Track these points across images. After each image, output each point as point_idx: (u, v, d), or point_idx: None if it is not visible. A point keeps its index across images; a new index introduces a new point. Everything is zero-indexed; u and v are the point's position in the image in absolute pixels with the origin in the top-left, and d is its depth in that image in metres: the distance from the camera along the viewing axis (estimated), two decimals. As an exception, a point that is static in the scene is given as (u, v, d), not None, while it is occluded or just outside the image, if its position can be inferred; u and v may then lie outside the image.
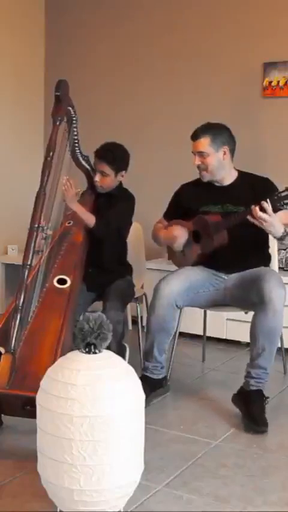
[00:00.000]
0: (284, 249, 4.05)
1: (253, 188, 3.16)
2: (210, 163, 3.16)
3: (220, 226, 3.13)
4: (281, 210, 2.92)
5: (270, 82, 4.30)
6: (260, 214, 2.88)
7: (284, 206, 2.91)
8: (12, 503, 2.20)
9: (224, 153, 3.16)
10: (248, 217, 2.93)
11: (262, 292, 2.92)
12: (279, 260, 3.92)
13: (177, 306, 3.12)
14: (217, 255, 3.19)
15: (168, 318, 3.11)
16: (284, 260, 4.11)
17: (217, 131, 3.16)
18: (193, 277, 3.20)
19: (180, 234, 3.25)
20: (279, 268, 3.90)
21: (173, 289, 3.10)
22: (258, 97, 4.38)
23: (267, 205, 2.87)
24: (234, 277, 3.22)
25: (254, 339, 2.96)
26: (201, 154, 3.16)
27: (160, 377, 3.20)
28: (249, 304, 3.08)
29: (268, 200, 2.88)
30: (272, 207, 2.88)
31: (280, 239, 3.03)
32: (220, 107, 4.43)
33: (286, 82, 4.25)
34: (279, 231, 2.96)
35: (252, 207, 2.90)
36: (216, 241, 3.14)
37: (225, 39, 4.48)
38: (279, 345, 3.57)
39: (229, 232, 3.10)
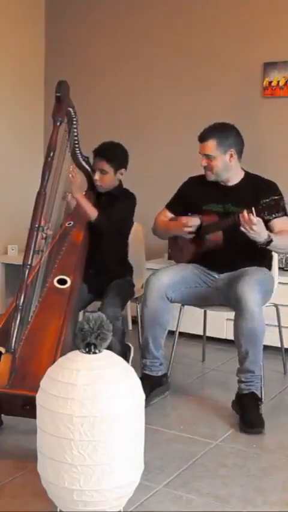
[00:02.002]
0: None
1: (255, 190, 3.15)
2: (216, 166, 3.17)
3: (216, 227, 3.14)
4: (265, 219, 2.89)
5: (270, 82, 4.31)
6: (244, 222, 2.86)
7: (267, 216, 2.88)
8: (12, 503, 2.20)
9: (231, 156, 3.16)
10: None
11: (236, 294, 2.92)
12: (279, 260, 3.91)
13: (168, 298, 3.13)
14: (211, 255, 3.20)
15: (160, 310, 3.12)
16: (284, 260, 4.11)
17: (224, 133, 3.15)
18: (184, 272, 3.23)
19: (190, 219, 3.23)
20: (279, 268, 3.89)
21: (163, 281, 3.12)
22: (258, 97, 4.38)
23: (252, 213, 2.85)
24: (225, 276, 3.23)
25: (237, 343, 2.97)
26: (207, 156, 3.16)
27: (159, 374, 3.21)
28: (232, 304, 3.07)
29: (253, 208, 2.87)
30: (257, 215, 2.86)
31: (262, 245, 2.98)
32: (220, 107, 4.43)
33: (286, 82, 4.25)
34: (263, 237, 2.93)
35: (240, 213, 2.89)
36: (210, 241, 3.16)
37: (225, 39, 4.48)
38: (280, 345, 3.60)
39: (226, 232, 3.10)
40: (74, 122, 3.18)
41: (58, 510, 2.05)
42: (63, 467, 1.93)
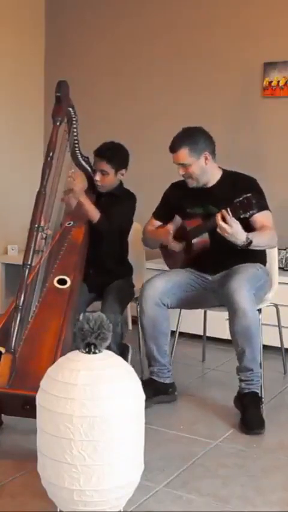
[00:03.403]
0: (284, 249, 4.05)
1: (234, 187, 3.11)
2: (193, 172, 3.15)
3: (199, 230, 3.13)
4: (241, 218, 2.86)
5: (270, 82, 4.30)
6: (220, 223, 2.84)
7: (243, 214, 2.85)
8: (12, 503, 2.20)
9: (206, 158, 3.14)
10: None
11: (227, 293, 2.92)
12: (279, 260, 3.91)
13: (164, 304, 3.13)
14: (202, 257, 3.19)
15: (159, 318, 3.12)
16: (284, 260, 4.11)
17: (193, 139, 3.13)
18: (177, 277, 3.23)
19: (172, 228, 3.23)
20: (279, 268, 3.89)
21: (157, 288, 3.12)
22: (258, 97, 4.37)
23: (227, 213, 2.83)
24: (218, 277, 3.23)
25: (233, 342, 2.97)
26: (183, 165, 3.16)
27: (167, 381, 3.20)
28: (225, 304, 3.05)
29: (228, 209, 2.84)
30: (233, 215, 2.83)
31: (242, 247, 2.94)
32: (220, 107, 4.43)
33: (286, 82, 4.25)
34: (241, 239, 2.89)
35: (216, 215, 2.87)
36: (198, 244, 3.15)
37: (225, 39, 4.48)
38: (280, 345, 3.60)
39: (212, 234, 3.08)
40: (74, 122, 3.18)
41: (58, 510, 2.05)
42: (63, 467, 1.93)
